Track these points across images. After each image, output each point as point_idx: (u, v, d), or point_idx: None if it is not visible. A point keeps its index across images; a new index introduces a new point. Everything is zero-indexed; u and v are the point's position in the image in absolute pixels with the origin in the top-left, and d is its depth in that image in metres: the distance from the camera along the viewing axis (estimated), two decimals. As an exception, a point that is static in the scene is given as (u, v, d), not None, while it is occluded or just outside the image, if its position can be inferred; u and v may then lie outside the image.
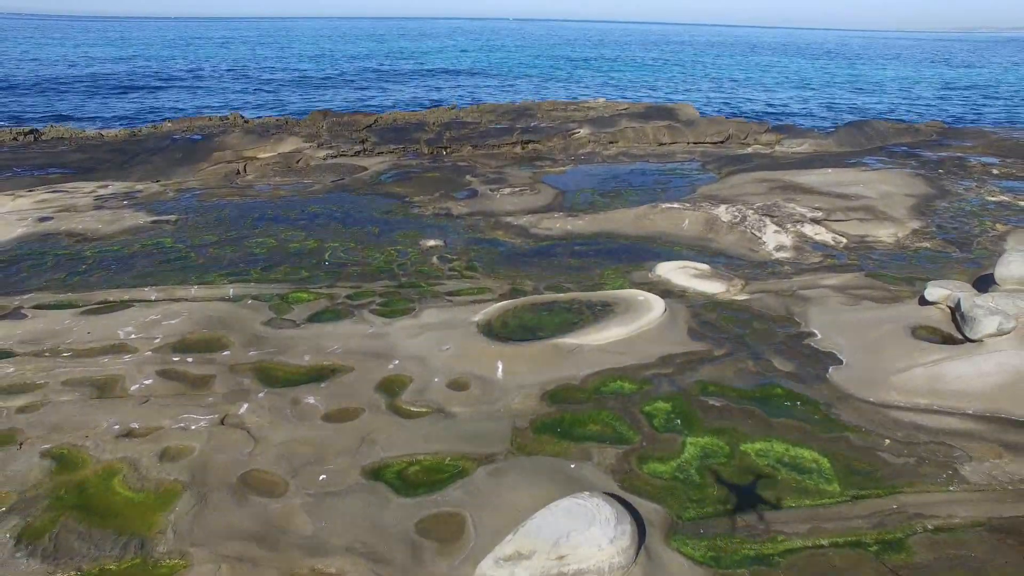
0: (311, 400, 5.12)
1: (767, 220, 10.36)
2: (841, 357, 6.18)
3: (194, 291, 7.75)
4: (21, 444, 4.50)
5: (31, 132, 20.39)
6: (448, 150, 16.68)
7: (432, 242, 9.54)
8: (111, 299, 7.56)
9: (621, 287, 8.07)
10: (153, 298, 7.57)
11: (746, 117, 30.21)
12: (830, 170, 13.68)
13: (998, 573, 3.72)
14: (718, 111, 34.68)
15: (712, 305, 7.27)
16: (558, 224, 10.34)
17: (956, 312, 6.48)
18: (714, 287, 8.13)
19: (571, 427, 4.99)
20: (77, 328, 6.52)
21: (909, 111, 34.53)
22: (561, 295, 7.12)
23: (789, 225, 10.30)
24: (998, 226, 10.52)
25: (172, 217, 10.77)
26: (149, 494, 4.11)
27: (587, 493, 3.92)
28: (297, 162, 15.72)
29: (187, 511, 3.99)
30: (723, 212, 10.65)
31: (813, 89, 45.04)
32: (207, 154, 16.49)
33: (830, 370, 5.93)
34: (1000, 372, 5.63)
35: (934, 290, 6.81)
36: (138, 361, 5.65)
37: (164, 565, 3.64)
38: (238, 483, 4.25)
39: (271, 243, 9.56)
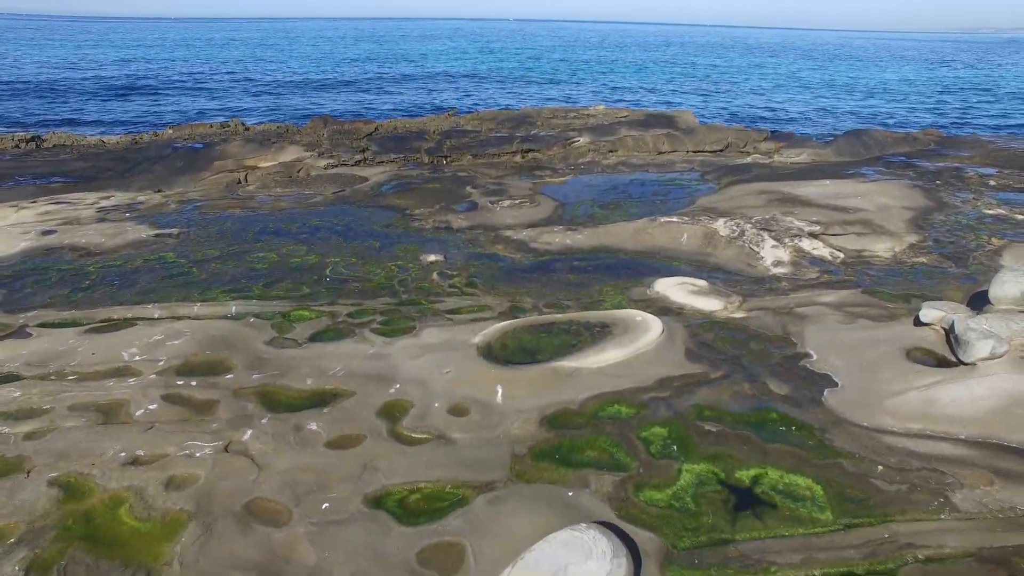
0: (314, 426, 5.20)
1: (765, 234, 10.44)
2: (836, 379, 6.26)
3: (197, 308, 7.83)
4: (28, 472, 4.58)
5: (33, 139, 20.49)
6: (448, 159, 16.77)
7: (433, 257, 9.62)
8: (115, 317, 7.64)
9: (620, 304, 8.16)
10: (156, 316, 7.66)
11: (745, 123, 30.33)
12: (828, 182, 13.76)
13: (987, 605, 3.80)
14: (717, 115, 34.81)
15: (710, 325, 7.35)
16: (557, 238, 10.42)
17: (950, 334, 6.56)
18: (712, 304, 8.21)
19: (569, 453, 5.07)
20: (82, 348, 6.61)
21: (908, 116, 34.66)
22: (559, 315, 7.20)
23: (787, 239, 10.38)
24: (994, 240, 10.59)
25: (174, 230, 10.86)
26: (155, 524, 4.19)
27: (584, 525, 4.00)
28: (298, 172, 15.80)
29: (193, 541, 4.07)
30: (721, 226, 10.74)
31: (812, 91, 45.16)
32: (208, 163, 16.57)
33: (825, 393, 6.01)
34: (993, 396, 5.71)
35: (929, 311, 6.89)
36: (143, 385, 5.73)
37: (170, 596, 3.72)
38: (242, 512, 4.34)
39: (273, 258, 9.64)
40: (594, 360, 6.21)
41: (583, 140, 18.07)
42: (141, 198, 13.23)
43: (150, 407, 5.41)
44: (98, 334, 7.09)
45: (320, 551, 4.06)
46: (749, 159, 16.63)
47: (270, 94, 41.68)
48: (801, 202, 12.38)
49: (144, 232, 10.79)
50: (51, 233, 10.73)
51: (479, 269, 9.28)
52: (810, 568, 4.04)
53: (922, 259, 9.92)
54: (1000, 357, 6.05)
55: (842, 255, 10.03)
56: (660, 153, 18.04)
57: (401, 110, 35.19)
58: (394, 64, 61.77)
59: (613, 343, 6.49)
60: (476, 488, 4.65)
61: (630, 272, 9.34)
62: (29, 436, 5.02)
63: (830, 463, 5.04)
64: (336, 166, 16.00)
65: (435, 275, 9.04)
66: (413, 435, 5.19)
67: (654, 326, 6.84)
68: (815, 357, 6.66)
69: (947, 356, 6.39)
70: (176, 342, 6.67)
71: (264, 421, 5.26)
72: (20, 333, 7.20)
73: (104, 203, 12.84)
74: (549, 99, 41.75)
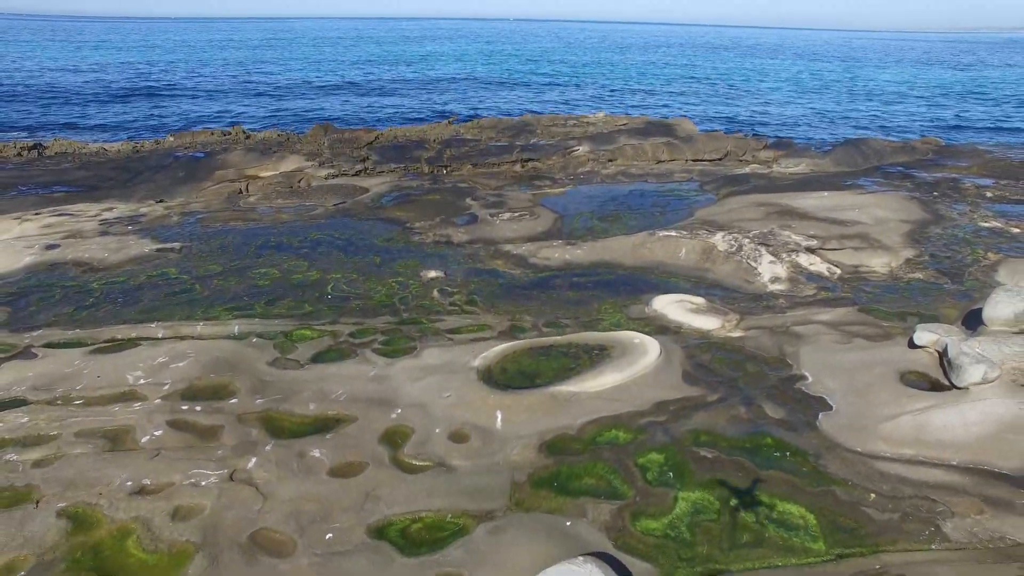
0: (317, 453, 5.29)
1: (763, 250, 10.53)
2: (831, 403, 6.35)
3: (200, 328, 7.92)
4: (37, 503, 4.67)
5: (35, 147, 20.58)
6: (448, 169, 16.85)
7: (433, 273, 9.71)
8: (119, 336, 7.74)
9: (618, 322, 8.26)
10: (160, 335, 7.75)
11: (744, 129, 30.43)
12: (826, 193, 13.85)
13: (975, 637, 3.89)
14: (716, 119, 34.89)
15: (707, 345, 7.44)
16: (557, 253, 10.51)
17: (944, 357, 6.65)
18: (710, 323, 8.30)
19: (567, 481, 5.16)
20: (87, 371, 6.70)
21: (906, 120, 34.72)
22: (558, 338, 7.29)
23: (784, 255, 10.47)
24: (990, 255, 10.68)
25: (176, 245, 10.95)
26: (163, 556, 4.28)
27: (581, 558, 4.10)
28: (299, 182, 15.89)
29: (199, 573, 4.16)
30: (720, 240, 10.82)
31: (810, 94, 45.22)
32: (209, 173, 16.66)
33: (820, 417, 6.11)
34: (984, 421, 5.80)
35: (923, 334, 6.98)
36: (148, 410, 5.82)
37: (178, 629, 3.81)
38: (248, 543, 4.43)
39: (274, 274, 9.73)
40: (592, 384, 6.31)
41: (582, 149, 18.15)
42: (143, 210, 13.32)
43: (156, 433, 5.50)
44: (103, 355, 7.18)
45: (324, 582, 4.14)
46: (748, 169, 16.72)
47: (271, 96, 41.76)
48: (799, 215, 12.47)
49: (147, 246, 10.88)
50: (55, 248, 10.82)
51: (479, 286, 9.37)
52: (802, 600, 4.13)
53: (918, 274, 10.01)
54: (992, 382, 6.14)
55: (839, 271, 10.12)
56: (659, 162, 18.12)
57: (401, 114, 35.28)
58: (394, 66, 61.83)
59: (611, 367, 6.58)
60: (476, 517, 4.74)
61: (628, 288, 9.43)
62: (37, 464, 5.12)
63: (823, 490, 5.13)
64: (337, 176, 16.08)
65: (435, 292, 9.13)
66: (414, 462, 5.28)
67: (652, 348, 6.94)
68: (810, 379, 6.76)
69: (941, 380, 6.49)
70: (180, 364, 6.76)
71: (268, 448, 5.36)
72: (26, 354, 7.29)
73: (107, 215, 12.93)
74: (549, 101, 41.83)
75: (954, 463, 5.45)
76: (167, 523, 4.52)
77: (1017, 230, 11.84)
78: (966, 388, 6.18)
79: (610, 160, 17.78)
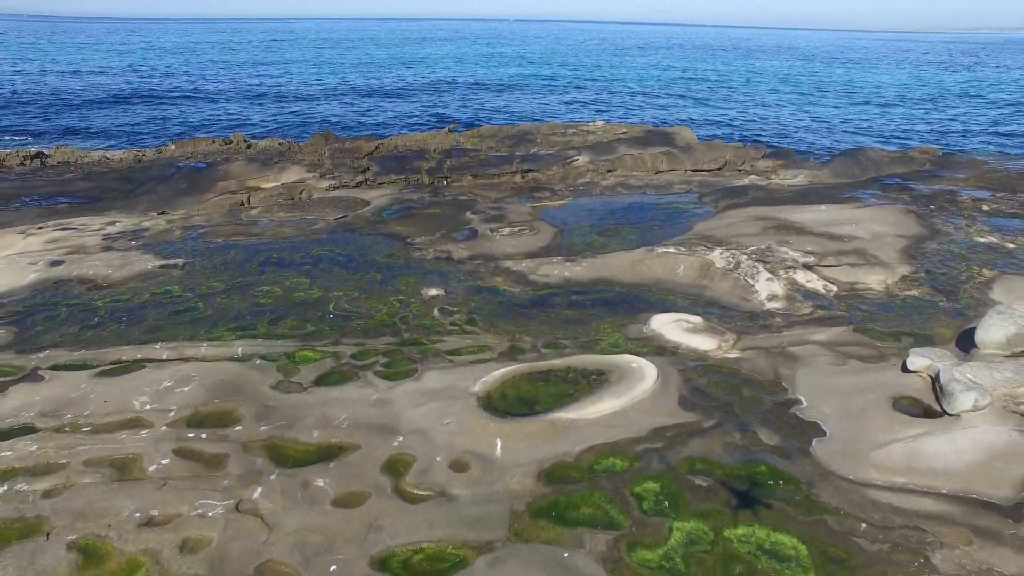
0: (320, 483, 5.41)
1: (760, 266, 10.64)
2: (825, 428, 6.46)
3: (204, 349, 8.04)
4: (48, 535, 4.79)
5: (37, 155, 20.71)
6: (449, 180, 16.97)
7: (433, 291, 9.83)
8: (124, 358, 7.85)
9: (616, 343, 8.37)
10: (164, 357, 7.87)
11: (743, 135, 30.53)
12: (824, 207, 13.96)
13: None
14: (715, 124, 35.01)
15: (703, 368, 7.55)
16: (556, 271, 10.62)
17: (936, 383, 6.77)
18: (707, 343, 8.42)
19: (565, 511, 5.27)
20: (94, 395, 6.82)
21: (904, 124, 34.80)
22: (557, 362, 7.40)
23: (781, 272, 10.58)
24: (984, 271, 10.79)
25: (179, 261, 11.06)
26: (171, 589, 4.40)
27: (579, 593, 4.22)
28: (300, 193, 16.00)
29: (206, 607, 4.28)
30: (717, 257, 10.94)
31: (809, 98, 45.27)
32: (211, 184, 16.78)
33: (814, 443, 6.22)
34: (974, 449, 5.92)
35: (916, 359, 7.09)
36: (155, 438, 5.94)
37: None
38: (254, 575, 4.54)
39: (277, 292, 9.85)
40: (590, 410, 6.42)
41: (582, 159, 18.27)
42: (146, 224, 13.43)
43: (162, 462, 5.62)
44: (109, 378, 7.30)
45: (328, 615, 4.26)
46: (746, 180, 16.83)
47: (271, 100, 41.87)
48: (796, 229, 12.58)
49: (150, 263, 10.99)
50: (59, 264, 10.93)
51: (479, 304, 9.49)
52: (794, 633, 4.24)
53: (914, 292, 10.12)
54: (983, 409, 6.25)
55: (835, 288, 10.23)
56: (658, 172, 18.24)
57: (402, 119, 35.39)
58: (395, 69, 61.95)
59: (609, 392, 6.69)
60: (476, 548, 4.86)
61: (627, 307, 9.54)
62: (47, 494, 5.23)
63: (815, 520, 5.25)
64: (337, 188, 16.20)
65: (436, 311, 9.24)
66: (416, 492, 5.40)
67: (649, 373, 7.05)
68: (805, 404, 6.87)
69: (933, 406, 6.60)
70: (185, 389, 6.88)
71: (273, 477, 5.47)
72: (33, 376, 7.41)
73: (110, 229, 13.04)
74: (548, 105, 41.95)
75: (944, 492, 5.56)
76: (175, 556, 4.63)
77: (1012, 245, 11.95)
78: (957, 415, 6.29)
79: (609, 171, 17.89)
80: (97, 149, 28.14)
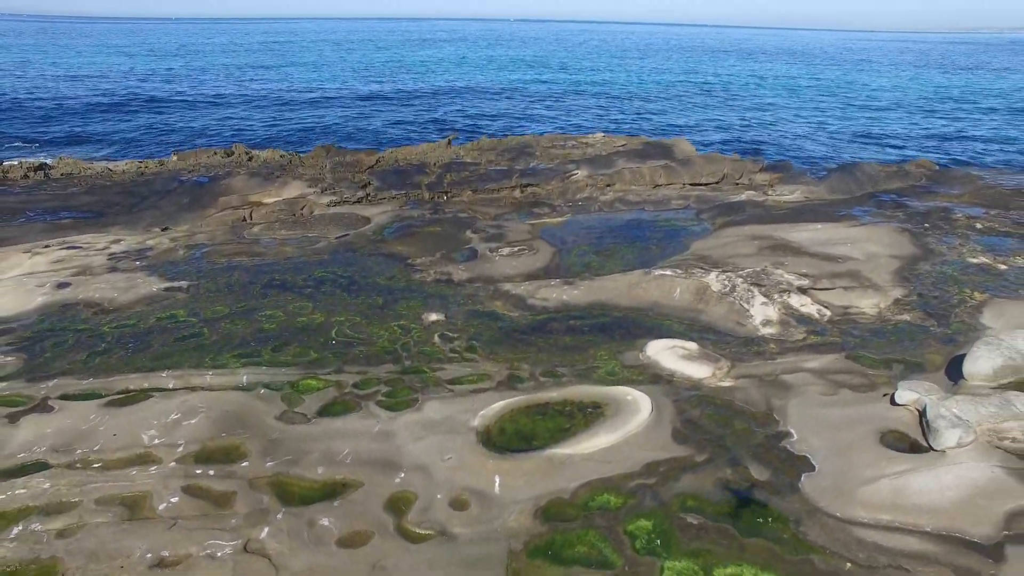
0: (325, 522, 5.59)
1: (755, 290, 10.82)
2: (814, 462, 6.65)
3: (209, 378, 8.22)
4: (63, 576, 4.98)
5: (41, 167, 20.90)
6: (449, 195, 17.15)
7: (434, 316, 10.01)
8: (132, 387, 8.04)
9: (613, 370, 8.56)
10: (171, 386, 8.06)
11: (741, 145, 30.72)
12: (820, 225, 14.14)
13: None
14: (714, 131, 35.18)
15: (697, 400, 7.74)
16: (554, 294, 10.80)
17: (923, 417, 6.95)
18: (701, 371, 8.60)
19: (561, 549, 5.46)
20: (103, 427, 7.00)
21: (903, 130, 34.96)
22: (554, 395, 7.59)
23: (776, 295, 10.76)
24: (976, 295, 10.97)
25: (184, 284, 11.24)
26: (182, 632, 4.58)
27: (574, 639, 4.40)
28: (302, 209, 16.19)
29: (216, 650, 4.47)
30: (713, 280, 11.12)
31: (808, 104, 45.40)
32: (213, 199, 16.96)
33: (803, 479, 6.40)
34: (959, 486, 6.10)
35: (904, 393, 7.27)
36: (163, 475, 6.12)
37: None
38: (261, 618, 4.73)
39: (280, 316, 10.03)
40: (586, 446, 6.61)
41: (581, 174, 18.45)
42: (150, 242, 13.61)
43: (172, 500, 5.80)
44: (117, 408, 7.48)
45: (332, 658, 4.44)
46: (744, 196, 17.01)
47: (272, 106, 42.05)
48: (792, 249, 12.76)
49: (155, 285, 11.18)
50: (66, 286, 11.11)
51: (479, 330, 9.67)
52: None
53: (906, 316, 10.29)
54: (967, 446, 6.44)
55: (829, 312, 10.41)
56: (657, 186, 18.42)
57: (402, 127, 35.56)
58: (395, 73, 62.11)
59: (604, 427, 6.88)
60: (475, 589, 5.04)
61: (623, 332, 9.73)
62: (60, 534, 5.42)
63: (802, 559, 5.43)
64: (339, 203, 16.38)
65: (436, 337, 9.42)
66: (417, 531, 5.58)
67: (643, 406, 7.24)
68: (795, 437, 7.05)
69: (920, 440, 6.78)
70: (192, 421, 7.06)
71: (279, 516, 5.66)
72: (43, 407, 7.60)
73: (115, 248, 13.22)
74: (548, 112, 42.11)
75: (928, 530, 5.74)
76: (185, 598, 4.82)
77: (1004, 266, 12.13)
78: (943, 451, 6.47)
79: (608, 185, 18.07)
80: (100, 159, 28.38)
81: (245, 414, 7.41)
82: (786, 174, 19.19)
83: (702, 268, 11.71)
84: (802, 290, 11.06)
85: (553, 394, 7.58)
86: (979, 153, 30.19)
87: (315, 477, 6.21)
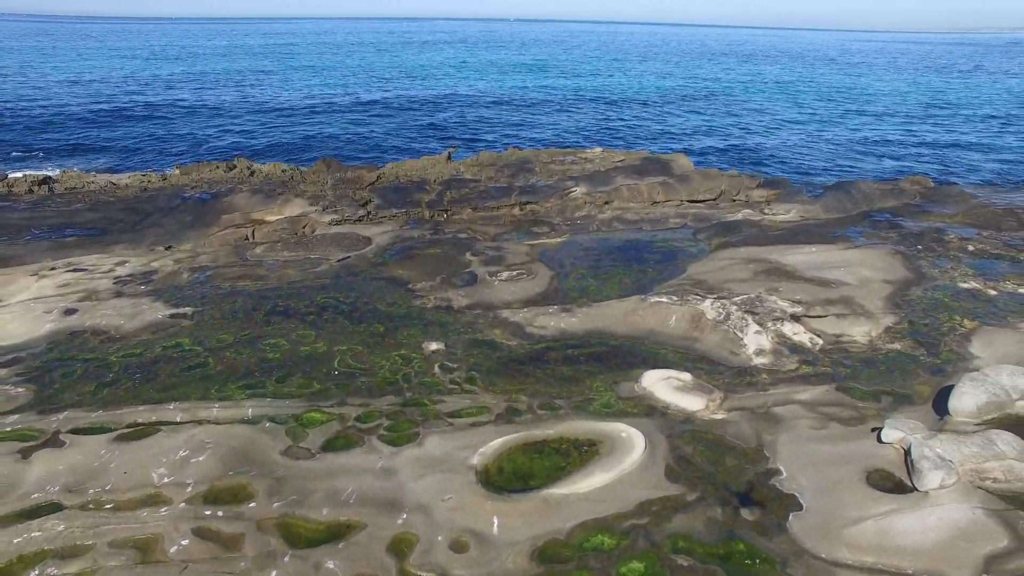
0: (331, 565, 5.82)
1: (749, 318, 11.04)
2: (802, 501, 6.87)
3: (215, 411, 8.44)
4: (80, 623, 5.19)
5: (45, 181, 21.12)
6: (449, 213, 17.37)
7: (434, 345, 10.23)
8: (140, 420, 8.26)
9: (609, 403, 8.79)
10: (178, 419, 8.28)
11: (739, 157, 30.96)
12: (814, 248, 14.37)
13: None
14: (710, 137, 35.40)
15: (690, 436, 7.96)
16: (552, 322, 11.02)
17: (908, 456, 7.17)
18: (695, 403, 8.83)
19: (557, 593, 5.69)
20: (114, 464, 7.23)
21: (900, 137, 35.16)
22: (550, 432, 7.80)
23: (770, 323, 10.98)
24: (966, 323, 11.19)
25: (188, 310, 11.45)
26: None
27: None
28: (303, 228, 16.41)
29: None
30: (708, 308, 11.33)
31: (806, 111, 45.55)
32: (216, 217, 17.17)
33: (791, 519, 6.63)
34: (940, 527, 6.33)
35: (890, 432, 7.50)
36: (174, 516, 6.35)
37: None
38: (269, 664, 4.95)
39: (284, 345, 10.24)
40: (582, 485, 6.83)
41: (580, 191, 18.66)
42: (154, 264, 13.82)
43: (182, 543, 6.02)
44: (127, 444, 7.70)
45: None
46: (740, 215, 17.22)
47: (273, 114, 42.23)
48: (786, 274, 12.98)
49: (160, 311, 11.39)
50: (73, 313, 11.32)
51: (478, 359, 9.89)
52: None
53: (897, 345, 10.51)
54: (950, 487, 6.66)
55: (821, 341, 10.62)
56: (655, 203, 18.63)
57: (402, 137, 35.75)
58: (395, 79, 62.33)
59: (600, 466, 7.10)
60: (474, 634, 5.26)
61: (619, 361, 9.95)
62: (76, 579, 5.64)
63: (789, 603, 5.66)
64: (340, 222, 16.60)
65: (436, 368, 9.64)
66: (419, 574, 5.80)
67: (637, 444, 7.46)
68: (784, 475, 7.27)
69: (904, 480, 7.00)
70: (200, 458, 7.29)
71: (287, 559, 5.88)
72: (55, 441, 7.82)
73: (120, 271, 13.43)
74: (548, 120, 42.32)
75: (910, 572, 5.97)
76: (197, 645, 5.04)
77: (993, 292, 12.35)
78: (926, 492, 6.70)
79: (606, 203, 18.28)
80: (102, 169, 28.64)
81: (251, 449, 7.64)
82: (783, 191, 19.40)
83: (697, 295, 11.93)
84: (795, 318, 11.28)
85: (550, 431, 7.80)
86: (974, 164, 30.42)
87: (320, 518, 6.44)
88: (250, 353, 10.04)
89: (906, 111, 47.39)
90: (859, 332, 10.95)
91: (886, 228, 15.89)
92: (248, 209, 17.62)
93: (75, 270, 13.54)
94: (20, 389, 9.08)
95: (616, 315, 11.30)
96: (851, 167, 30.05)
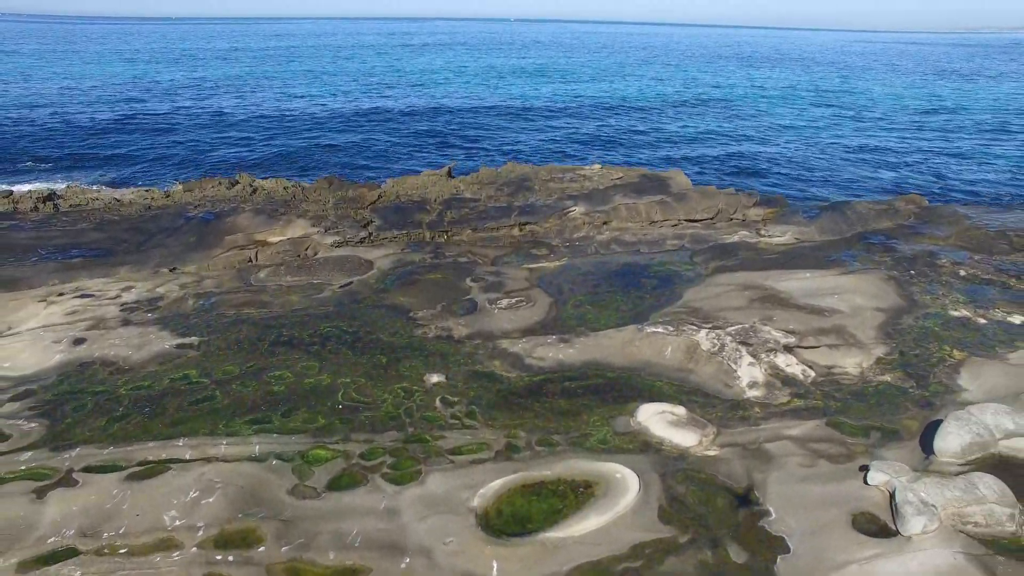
0: (336, 613, 6.08)
1: (743, 350, 11.30)
2: (790, 544, 7.13)
3: (223, 448, 8.70)
4: (99, 672, 5.44)
5: (49, 197, 21.36)
6: (449, 234, 17.63)
7: (435, 378, 10.49)
8: (150, 458, 8.52)
9: (605, 439, 9.05)
10: (187, 456, 8.54)
11: (736, 168, 31.21)
12: (808, 274, 14.62)
13: None
14: (709, 144, 35.62)
15: (683, 475, 8.22)
16: (551, 353, 11.28)
17: (892, 500, 7.43)
18: (689, 438, 9.08)
19: (554, 641, 5.95)
20: (127, 506, 7.49)
21: (897, 145, 35.39)
22: (548, 474, 8.06)
23: (763, 355, 11.24)
24: (955, 353, 11.44)
25: (195, 340, 11.70)
26: None
27: None
28: (306, 249, 16.67)
29: None
30: (703, 338, 11.59)
31: (802, 115, 45.75)
32: (219, 238, 17.42)
33: (778, 562, 6.89)
34: (922, 573, 6.58)
35: (876, 475, 7.76)
36: (186, 561, 6.61)
37: None
38: None
39: (288, 378, 10.50)
40: (578, 528, 7.09)
41: (578, 210, 18.92)
42: (160, 289, 14.07)
43: (194, 589, 6.28)
44: (138, 483, 7.96)
45: None
46: (737, 237, 17.47)
47: (274, 124, 42.41)
48: (780, 301, 13.23)
49: (167, 341, 11.63)
50: (82, 343, 11.57)
51: (478, 392, 10.15)
52: None
53: (887, 377, 10.76)
54: (932, 532, 6.92)
55: (813, 373, 10.88)
56: (652, 222, 18.89)
57: (402, 149, 35.99)
58: (395, 86, 62.54)
59: (595, 508, 7.37)
60: None
61: (616, 395, 10.20)
62: (94, 626, 5.89)
63: (776, 650, 5.92)
64: (342, 244, 16.85)
65: (438, 401, 9.90)
66: (421, 622, 6.07)
67: (631, 485, 7.72)
68: (773, 516, 7.53)
69: (889, 524, 7.26)
70: (210, 500, 7.55)
71: (294, 607, 6.14)
72: (68, 480, 8.08)
73: (126, 296, 13.68)
74: (547, 128, 42.57)
75: (892, 619, 6.24)
76: None
77: (983, 320, 12.60)
78: (909, 537, 6.96)
79: (604, 223, 18.54)
80: (106, 182, 28.91)
81: (259, 489, 7.90)
82: (779, 209, 19.66)
83: (693, 324, 12.18)
84: (788, 348, 11.53)
85: (547, 472, 8.06)
86: (971, 176, 30.65)
87: (327, 563, 6.70)
88: (256, 386, 10.30)
89: (906, 118, 47.61)
90: (851, 363, 11.20)
91: (880, 251, 16.14)
92: (251, 230, 17.88)
93: (82, 295, 13.79)
94: (33, 424, 9.34)
95: (613, 346, 11.55)
96: (848, 179, 30.30)
